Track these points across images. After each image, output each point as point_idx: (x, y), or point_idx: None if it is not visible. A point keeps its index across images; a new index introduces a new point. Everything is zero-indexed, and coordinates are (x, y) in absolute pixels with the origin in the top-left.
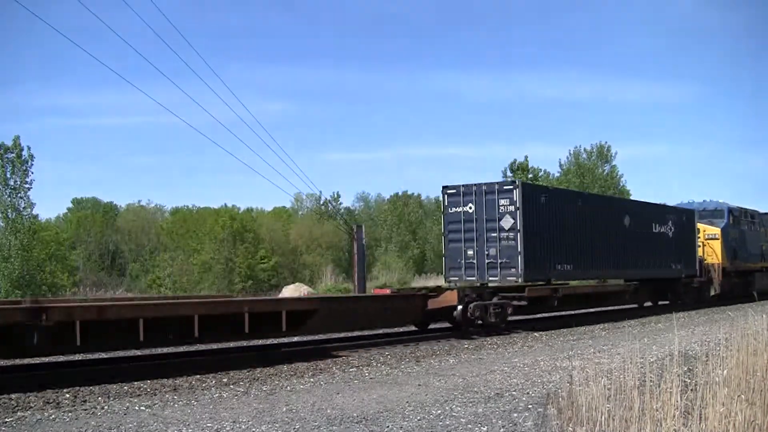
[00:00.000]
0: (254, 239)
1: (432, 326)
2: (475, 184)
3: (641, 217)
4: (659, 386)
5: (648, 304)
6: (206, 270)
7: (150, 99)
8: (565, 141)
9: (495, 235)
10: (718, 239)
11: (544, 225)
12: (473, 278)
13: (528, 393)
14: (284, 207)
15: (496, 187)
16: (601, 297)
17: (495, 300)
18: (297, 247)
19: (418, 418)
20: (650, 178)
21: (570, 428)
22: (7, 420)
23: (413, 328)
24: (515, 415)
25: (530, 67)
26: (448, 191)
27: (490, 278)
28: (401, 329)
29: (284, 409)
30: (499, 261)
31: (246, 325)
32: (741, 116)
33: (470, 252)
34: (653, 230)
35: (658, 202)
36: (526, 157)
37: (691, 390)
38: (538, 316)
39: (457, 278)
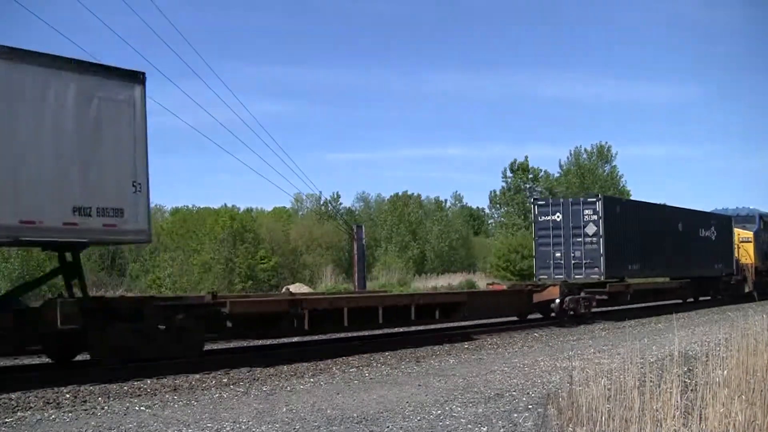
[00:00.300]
0: (254, 239)
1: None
2: (562, 197)
3: (691, 223)
4: (659, 386)
5: (690, 299)
6: (206, 270)
7: (149, 99)
8: (565, 141)
9: (580, 239)
10: (751, 242)
11: (618, 231)
12: (560, 276)
13: (528, 393)
14: (284, 207)
15: (581, 199)
16: (659, 293)
17: (582, 294)
18: (297, 247)
19: (418, 418)
20: (650, 178)
21: (570, 428)
22: (7, 420)
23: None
24: (515, 415)
25: (530, 67)
26: (538, 203)
27: (576, 276)
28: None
29: (284, 409)
30: (584, 261)
31: (412, 313)
32: (742, 117)
33: (558, 254)
34: (700, 234)
35: (702, 210)
36: (526, 157)
37: (691, 390)
38: (605, 309)
39: (546, 276)
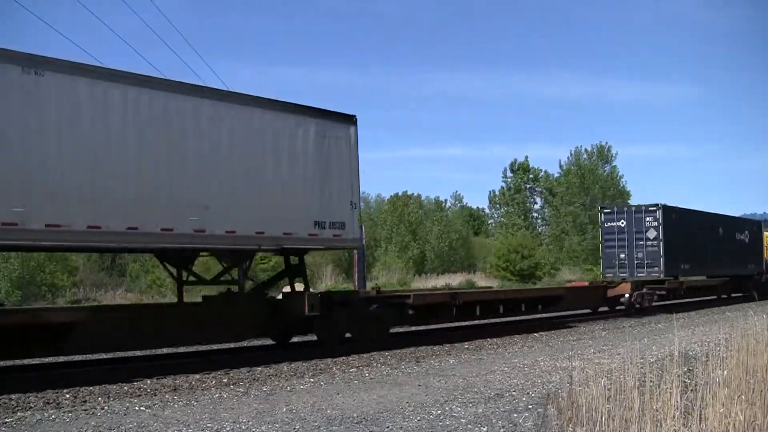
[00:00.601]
0: None
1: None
2: (626, 206)
3: (728, 228)
4: (659, 386)
5: (723, 296)
6: (206, 270)
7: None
8: (565, 141)
9: (642, 243)
10: None
11: (674, 235)
12: (624, 274)
13: (528, 393)
14: None
15: (643, 208)
16: (704, 289)
17: (645, 290)
18: None
19: (418, 418)
20: (650, 178)
21: (570, 428)
22: (7, 420)
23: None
24: (515, 415)
25: (530, 67)
26: (605, 211)
27: (638, 274)
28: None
29: (284, 409)
30: (646, 261)
31: (522, 306)
32: (742, 117)
33: (622, 255)
34: (736, 238)
35: (738, 215)
36: (526, 157)
37: (691, 390)
38: (663, 303)
39: (611, 275)
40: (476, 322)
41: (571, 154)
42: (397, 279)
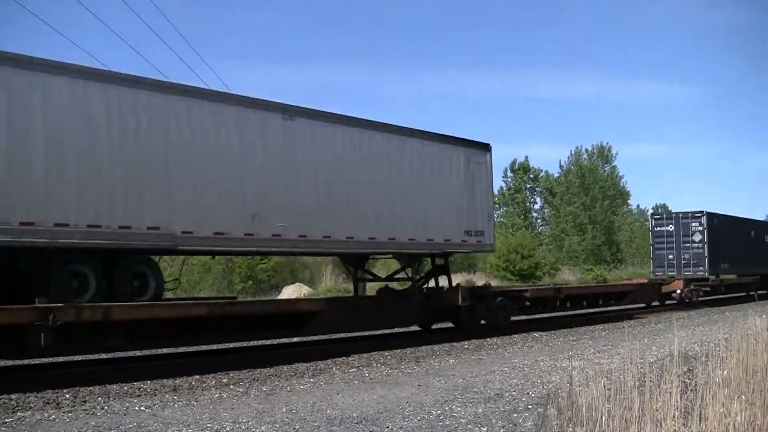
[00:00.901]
0: None
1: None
2: (674, 213)
3: (759, 231)
4: (659, 386)
5: (751, 292)
6: (206, 270)
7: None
8: (565, 141)
9: (689, 245)
10: None
11: (716, 238)
12: (672, 273)
13: (528, 393)
14: None
15: (690, 214)
16: (740, 286)
17: (692, 287)
18: None
19: (418, 418)
20: (650, 178)
21: (570, 428)
22: (7, 420)
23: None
24: (515, 415)
25: (530, 67)
26: (655, 217)
27: (685, 273)
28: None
29: (284, 409)
30: (692, 262)
31: (600, 300)
32: (743, 118)
33: (670, 256)
34: (765, 240)
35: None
36: (526, 157)
37: (691, 390)
38: (707, 298)
39: (660, 273)
40: (571, 312)
41: (571, 154)
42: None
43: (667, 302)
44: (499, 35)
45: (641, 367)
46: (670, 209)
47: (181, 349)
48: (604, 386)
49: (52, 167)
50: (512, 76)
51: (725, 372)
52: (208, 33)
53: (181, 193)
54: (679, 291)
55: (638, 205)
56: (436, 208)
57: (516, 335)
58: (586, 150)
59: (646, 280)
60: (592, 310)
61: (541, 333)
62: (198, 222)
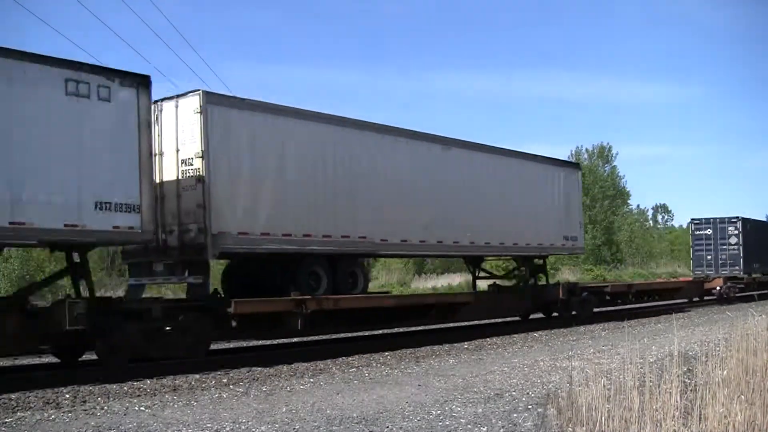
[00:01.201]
0: None
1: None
2: (712, 218)
3: None
4: (659, 386)
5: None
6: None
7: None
8: (565, 141)
9: (725, 247)
10: None
11: (749, 240)
12: (711, 272)
13: (528, 393)
14: None
15: (726, 220)
16: (765, 284)
17: (729, 284)
18: None
19: (418, 418)
20: (650, 179)
21: (570, 428)
22: (7, 420)
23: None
24: (515, 415)
25: (530, 67)
26: (695, 221)
27: (722, 272)
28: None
29: (284, 409)
30: (728, 262)
31: (656, 296)
32: (743, 118)
33: (709, 257)
34: None
35: None
36: None
37: (691, 390)
38: (742, 294)
39: (699, 272)
40: (636, 305)
41: (571, 154)
42: (396, 279)
43: (706, 298)
44: (499, 35)
45: (641, 367)
46: (669, 209)
47: None
48: (604, 386)
49: (301, 196)
50: (512, 76)
51: (725, 372)
52: (208, 33)
53: (380, 210)
54: (718, 288)
55: (638, 205)
56: (544, 218)
57: (516, 335)
58: (587, 150)
59: (691, 279)
60: (654, 304)
61: (541, 333)
62: (390, 233)
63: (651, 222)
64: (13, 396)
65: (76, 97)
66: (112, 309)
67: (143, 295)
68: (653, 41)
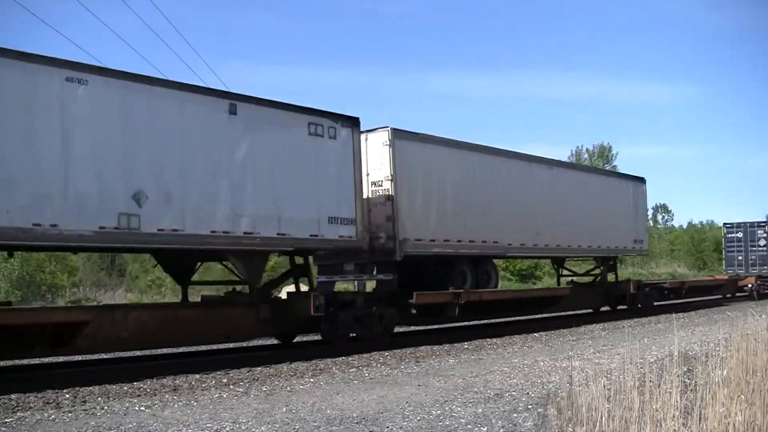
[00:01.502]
0: None
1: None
2: (742, 222)
3: None
4: (659, 386)
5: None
6: (206, 270)
7: None
8: (565, 141)
9: (755, 248)
10: None
11: None
12: (741, 271)
13: (528, 393)
14: None
15: (756, 223)
16: None
17: (759, 282)
18: None
19: (418, 418)
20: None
21: (570, 428)
22: (7, 420)
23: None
24: (515, 415)
25: (530, 67)
26: (727, 225)
27: (752, 271)
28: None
29: (284, 409)
30: (758, 262)
31: (708, 290)
32: (743, 118)
33: (740, 257)
34: None
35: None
36: None
37: (691, 390)
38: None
39: (731, 271)
40: (686, 300)
41: (571, 154)
42: None
43: (737, 294)
44: (499, 35)
45: (641, 367)
46: (669, 209)
47: (182, 349)
48: (604, 386)
49: (455, 210)
50: (512, 76)
51: (725, 372)
52: (208, 33)
53: (506, 221)
54: (751, 285)
55: None
56: (619, 224)
57: (516, 336)
58: (587, 150)
59: (727, 277)
60: (698, 299)
61: (541, 333)
62: (514, 237)
63: (651, 222)
64: (13, 396)
65: (314, 137)
66: (335, 300)
67: (333, 291)
68: (653, 41)
